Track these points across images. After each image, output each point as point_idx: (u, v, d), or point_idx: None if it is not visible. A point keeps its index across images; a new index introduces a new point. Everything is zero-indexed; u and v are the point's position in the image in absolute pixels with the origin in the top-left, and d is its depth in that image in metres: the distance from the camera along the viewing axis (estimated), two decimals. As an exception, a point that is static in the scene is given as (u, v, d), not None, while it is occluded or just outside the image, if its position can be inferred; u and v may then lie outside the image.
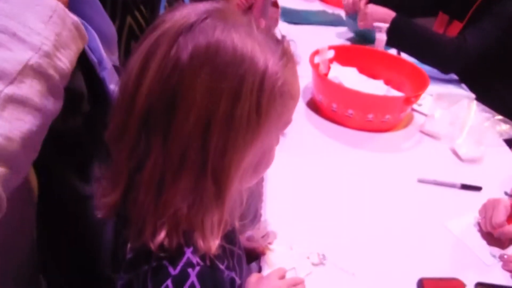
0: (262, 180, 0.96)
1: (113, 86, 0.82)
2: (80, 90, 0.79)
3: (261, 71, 0.48)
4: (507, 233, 0.85)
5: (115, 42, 0.84)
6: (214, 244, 0.52)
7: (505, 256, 0.84)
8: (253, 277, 0.71)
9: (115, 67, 0.84)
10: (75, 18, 0.54)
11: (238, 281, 0.60)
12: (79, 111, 0.81)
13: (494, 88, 1.53)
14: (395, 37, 1.50)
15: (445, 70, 1.50)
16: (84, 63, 0.77)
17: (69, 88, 0.58)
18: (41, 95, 0.48)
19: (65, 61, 0.51)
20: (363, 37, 1.75)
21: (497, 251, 0.86)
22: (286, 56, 0.51)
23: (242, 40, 0.48)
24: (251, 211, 0.68)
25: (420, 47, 1.46)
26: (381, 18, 1.54)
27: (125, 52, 0.87)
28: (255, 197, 0.65)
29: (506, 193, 1.03)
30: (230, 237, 0.61)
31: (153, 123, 0.48)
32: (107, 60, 0.80)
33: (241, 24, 0.49)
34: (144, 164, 0.49)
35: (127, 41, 0.87)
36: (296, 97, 0.54)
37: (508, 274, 0.81)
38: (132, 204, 0.51)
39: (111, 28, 0.79)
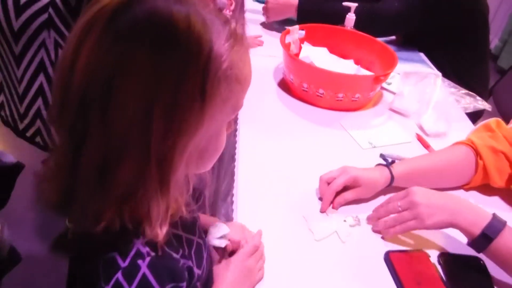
0: (233, 160, 0.97)
1: None
2: None
3: (205, 53, 0.45)
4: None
5: None
6: (161, 231, 0.49)
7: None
8: (222, 262, 0.71)
9: None
10: None
11: (196, 270, 0.58)
12: None
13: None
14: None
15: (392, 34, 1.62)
16: None
17: None
18: None
19: None
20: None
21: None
22: (234, 38, 0.49)
23: None
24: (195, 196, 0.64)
25: (370, 19, 1.48)
26: (281, 12, 1.59)
27: None
28: (202, 183, 0.63)
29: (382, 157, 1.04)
30: (188, 226, 0.60)
31: (90, 103, 0.44)
32: None
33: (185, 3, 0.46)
34: (84, 146, 0.46)
35: None
36: (244, 81, 0.51)
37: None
38: (75, 188, 0.48)
39: None
